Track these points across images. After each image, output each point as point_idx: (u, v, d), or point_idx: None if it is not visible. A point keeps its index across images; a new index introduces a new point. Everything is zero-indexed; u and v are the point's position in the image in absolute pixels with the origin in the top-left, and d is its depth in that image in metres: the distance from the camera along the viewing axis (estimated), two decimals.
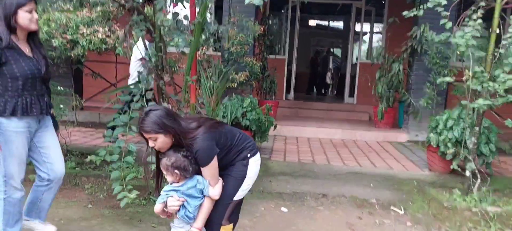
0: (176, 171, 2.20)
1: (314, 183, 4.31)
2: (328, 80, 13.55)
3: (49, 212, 2.85)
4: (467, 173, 3.86)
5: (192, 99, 4.38)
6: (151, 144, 2.21)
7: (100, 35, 6.15)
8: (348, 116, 8.82)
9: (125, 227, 3.18)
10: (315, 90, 13.71)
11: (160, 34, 3.91)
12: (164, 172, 2.28)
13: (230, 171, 2.40)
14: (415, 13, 4.07)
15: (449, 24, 3.77)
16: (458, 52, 3.64)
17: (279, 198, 3.92)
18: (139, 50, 5.08)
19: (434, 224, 3.44)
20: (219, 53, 7.09)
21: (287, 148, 5.88)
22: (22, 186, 2.56)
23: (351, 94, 10.09)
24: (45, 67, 2.56)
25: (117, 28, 6.43)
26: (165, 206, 2.26)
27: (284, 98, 9.72)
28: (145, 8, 4.18)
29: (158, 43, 3.85)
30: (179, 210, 2.26)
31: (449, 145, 4.14)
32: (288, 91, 10.28)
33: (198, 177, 2.25)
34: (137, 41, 5.14)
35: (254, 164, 2.45)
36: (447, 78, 3.84)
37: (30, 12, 2.43)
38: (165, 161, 2.22)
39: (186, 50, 4.74)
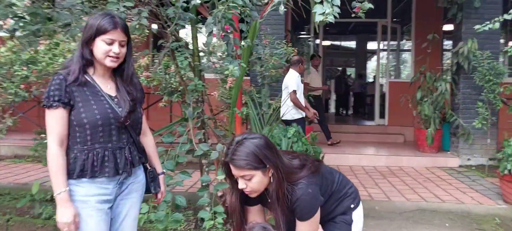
0: None
1: (380, 225, 3.74)
2: (352, 102, 13.13)
3: None
4: None
5: (237, 132, 3.89)
6: (242, 184, 1.66)
7: None
8: (381, 139, 8.29)
9: None
10: (331, 110, 13.30)
11: (199, 61, 3.46)
12: None
13: None
14: (490, 26, 3.58)
15: None
16: None
17: None
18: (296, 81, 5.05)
19: None
20: (248, 78, 6.63)
21: None
22: None
23: (382, 115, 9.55)
24: (127, 110, 1.84)
25: (141, 58, 6.00)
26: None
27: None
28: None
29: (199, 72, 3.39)
30: None
31: None
32: None
33: None
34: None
35: (358, 220, 1.92)
36: None
37: (111, 43, 1.78)
38: None
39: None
